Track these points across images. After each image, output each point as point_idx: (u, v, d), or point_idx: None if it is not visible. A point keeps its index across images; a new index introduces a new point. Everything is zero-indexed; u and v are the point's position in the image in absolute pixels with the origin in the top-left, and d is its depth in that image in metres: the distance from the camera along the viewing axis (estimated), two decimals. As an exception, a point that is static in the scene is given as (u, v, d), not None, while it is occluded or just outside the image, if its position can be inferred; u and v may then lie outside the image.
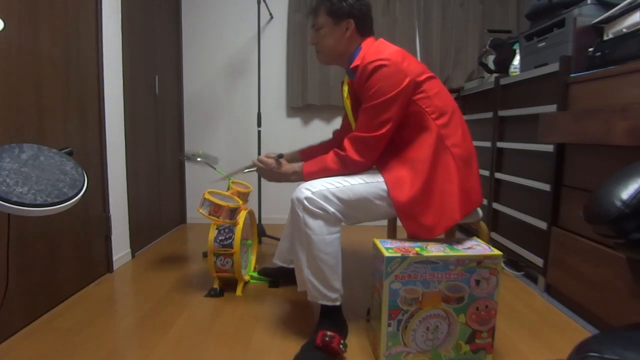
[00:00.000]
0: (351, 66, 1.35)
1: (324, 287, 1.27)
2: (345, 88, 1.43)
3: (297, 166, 1.40)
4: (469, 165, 1.29)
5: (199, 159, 1.86)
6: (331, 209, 1.24)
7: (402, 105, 1.25)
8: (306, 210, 1.24)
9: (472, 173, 1.30)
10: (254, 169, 1.50)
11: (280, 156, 1.46)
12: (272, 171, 1.44)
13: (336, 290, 1.29)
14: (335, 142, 1.67)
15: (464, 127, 1.32)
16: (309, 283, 1.28)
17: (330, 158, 1.33)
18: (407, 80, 1.23)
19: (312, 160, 1.37)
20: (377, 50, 1.28)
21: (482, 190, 1.37)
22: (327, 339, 1.20)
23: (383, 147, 1.30)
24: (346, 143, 1.31)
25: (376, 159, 1.32)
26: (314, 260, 1.26)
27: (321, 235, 1.24)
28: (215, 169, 1.93)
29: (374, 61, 1.23)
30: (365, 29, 1.38)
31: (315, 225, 1.24)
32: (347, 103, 1.44)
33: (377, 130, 1.26)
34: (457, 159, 1.26)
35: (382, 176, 1.29)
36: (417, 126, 1.28)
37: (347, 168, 1.31)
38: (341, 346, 1.21)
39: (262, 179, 2.47)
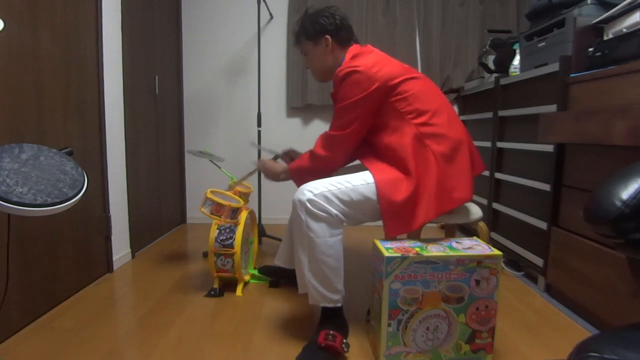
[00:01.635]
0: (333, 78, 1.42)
1: (326, 289, 1.27)
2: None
3: (285, 165, 1.53)
4: (452, 162, 1.26)
5: (206, 152, 1.89)
6: (334, 211, 1.24)
7: (369, 108, 1.30)
8: (308, 212, 1.23)
9: (456, 170, 1.26)
10: (257, 169, 1.60)
11: (276, 157, 1.59)
12: (269, 170, 1.56)
13: (338, 292, 1.29)
14: None
15: (451, 124, 1.30)
16: (311, 286, 1.28)
17: (305, 155, 1.45)
18: (374, 86, 1.27)
19: (296, 160, 1.49)
20: (353, 60, 1.34)
21: (474, 186, 1.31)
22: (329, 338, 1.20)
23: (350, 147, 1.37)
24: (317, 140, 1.41)
25: (343, 157, 1.39)
26: (316, 262, 1.25)
27: (324, 237, 1.24)
28: (220, 167, 1.93)
29: (344, 69, 1.30)
30: (344, 39, 1.46)
31: (318, 228, 1.23)
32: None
33: (342, 130, 1.33)
34: (438, 156, 1.25)
35: (373, 178, 1.28)
36: (394, 128, 1.30)
37: (315, 162, 1.41)
38: (343, 346, 1.21)
39: (263, 180, 2.48)
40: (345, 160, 1.44)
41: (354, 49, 1.43)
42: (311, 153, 1.42)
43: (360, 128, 1.33)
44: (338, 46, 1.45)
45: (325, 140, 1.38)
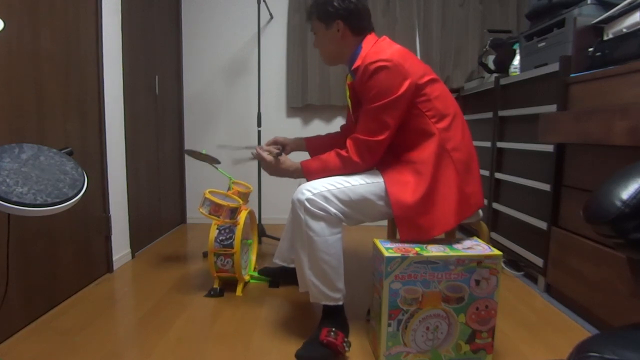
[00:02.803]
0: (352, 67, 1.34)
1: (327, 288, 1.27)
2: (347, 89, 1.43)
3: (298, 163, 1.38)
4: (469, 169, 1.28)
5: (202, 153, 1.86)
6: (332, 210, 1.24)
7: (403, 109, 1.24)
8: (307, 212, 1.23)
9: (472, 177, 1.29)
10: (253, 158, 1.48)
11: (279, 154, 1.45)
12: (272, 166, 1.41)
13: (339, 290, 1.29)
14: (342, 135, 1.66)
15: (464, 130, 1.31)
16: (312, 284, 1.28)
17: (331, 158, 1.32)
18: (407, 82, 1.22)
19: (313, 159, 1.36)
20: (378, 50, 1.26)
21: (483, 192, 1.36)
22: (332, 334, 1.20)
23: (384, 151, 1.30)
24: (349, 144, 1.30)
25: (377, 162, 1.32)
26: (316, 261, 1.25)
27: (323, 236, 1.24)
28: (217, 168, 1.93)
29: (375, 62, 1.22)
30: (358, 27, 1.35)
31: (317, 227, 1.23)
32: (350, 103, 1.44)
33: (379, 135, 1.25)
34: (457, 162, 1.25)
35: (383, 178, 1.28)
36: (418, 130, 1.26)
37: (348, 169, 1.31)
38: (344, 344, 1.21)
39: (262, 180, 2.48)
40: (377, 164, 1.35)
41: (371, 38, 1.35)
42: (344, 159, 1.30)
43: (395, 129, 1.26)
44: (351, 33, 1.35)
45: (362, 146, 1.27)
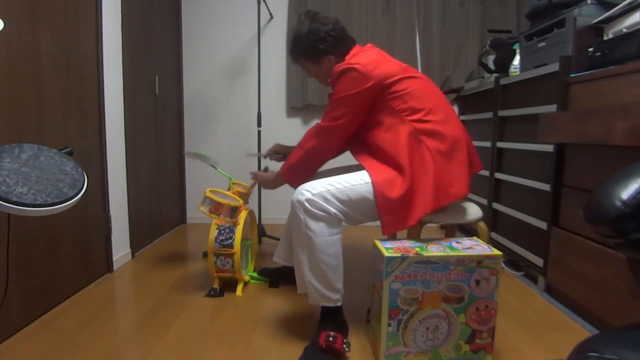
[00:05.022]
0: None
1: (326, 288, 1.27)
2: None
3: (277, 171, 1.53)
4: (449, 159, 1.28)
5: (201, 154, 1.92)
6: (332, 210, 1.24)
7: (361, 103, 1.30)
8: (307, 212, 1.24)
9: (453, 167, 1.28)
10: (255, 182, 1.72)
11: (266, 169, 1.66)
12: (265, 182, 1.59)
13: (338, 291, 1.29)
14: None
15: (448, 121, 1.31)
16: (311, 286, 1.28)
17: (293, 151, 1.44)
18: (369, 84, 1.28)
19: (286, 160, 1.49)
20: (351, 57, 1.38)
21: (472, 184, 1.37)
22: (330, 339, 1.20)
23: (340, 139, 1.36)
24: (306, 132, 1.42)
25: (333, 147, 1.38)
26: (315, 262, 1.25)
27: (323, 237, 1.24)
28: (217, 168, 1.93)
29: (342, 65, 1.32)
30: (344, 51, 1.45)
31: (317, 228, 1.24)
32: None
33: (332, 122, 1.33)
34: (434, 152, 1.26)
35: (370, 177, 1.28)
36: (389, 125, 1.30)
37: (306, 154, 1.40)
38: (344, 345, 1.21)
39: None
40: (335, 151, 1.43)
41: (354, 50, 1.45)
42: (300, 147, 1.41)
43: (351, 121, 1.33)
44: (341, 57, 1.45)
45: (316, 130, 1.38)
